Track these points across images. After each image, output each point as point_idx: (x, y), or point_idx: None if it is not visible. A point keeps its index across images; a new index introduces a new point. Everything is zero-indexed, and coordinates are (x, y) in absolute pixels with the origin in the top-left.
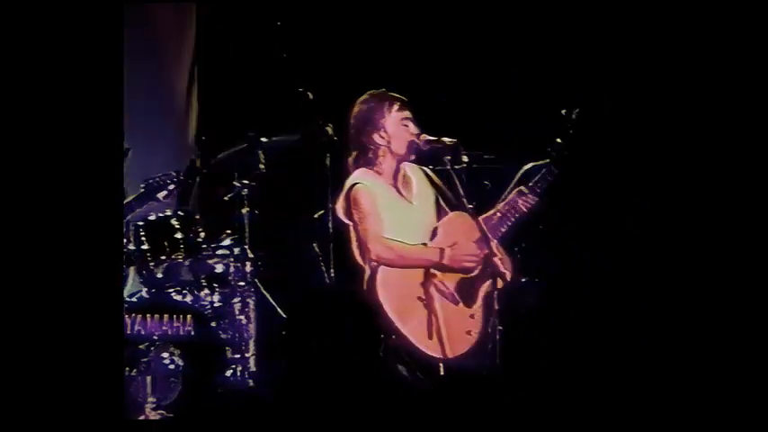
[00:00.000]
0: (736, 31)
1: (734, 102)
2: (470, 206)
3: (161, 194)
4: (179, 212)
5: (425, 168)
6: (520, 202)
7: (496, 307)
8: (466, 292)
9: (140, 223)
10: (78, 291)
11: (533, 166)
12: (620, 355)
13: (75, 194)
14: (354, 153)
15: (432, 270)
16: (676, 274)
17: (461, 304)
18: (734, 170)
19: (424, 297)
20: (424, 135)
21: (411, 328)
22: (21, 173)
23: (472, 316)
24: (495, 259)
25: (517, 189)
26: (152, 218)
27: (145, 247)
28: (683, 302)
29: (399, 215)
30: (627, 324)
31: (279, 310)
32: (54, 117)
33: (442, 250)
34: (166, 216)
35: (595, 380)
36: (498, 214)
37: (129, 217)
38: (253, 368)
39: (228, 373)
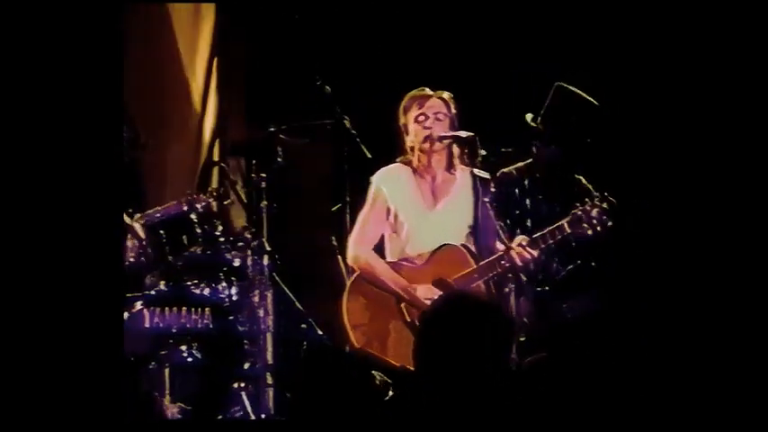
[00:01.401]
0: (735, 31)
1: (733, 101)
2: (486, 198)
3: (199, 205)
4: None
5: (482, 174)
6: (514, 252)
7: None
8: None
9: (160, 223)
10: (78, 291)
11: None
12: (619, 358)
13: (75, 193)
14: (404, 154)
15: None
16: (676, 274)
17: None
18: (733, 170)
19: (387, 316)
20: (438, 129)
21: (361, 339)
22: (20, 172)
23: None
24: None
25: (516, 237)
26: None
27: (163, 239)
28: (683, 303)
29: (413, 219)
30: (626, 325)
31: (297, 303)
32: (54, 114)
33: (409, 292)
34: (184, 210)
35: (592, 385)
36: (491, 259)
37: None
38: (270, 361)
39: (246, 365)
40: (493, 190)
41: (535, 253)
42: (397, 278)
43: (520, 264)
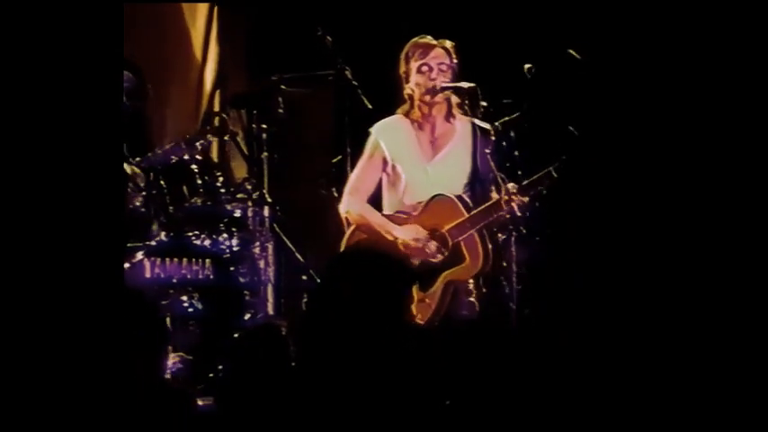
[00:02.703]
0: (737, 31)
1: (735, 102)
2: (487, 149)
3: (198, 144)
4: (197, 157)
5: (482, 125)
6: (504, 201)
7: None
8: (425, 275)
9: (160, 167)
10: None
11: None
12: (617, 356)
13: (76, 142)
14: (403, 104)
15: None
16: (677, 271)
17: (417, 287)
18: (734, 170)
19: None
20: (441, 80)
21: None
22: (20, 121)
23: (422, 300)
24: (462, 247)
25: (507, 185)
26: (172, 161)
27: (164, 190)
28: (682, 301)
29: (411, 170)
30: (624, 325)
31: (297, 254)
32: (56, 61)
33: (398, 236)
34: (185, 160)
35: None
36: (483, 207)
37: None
38: (271, 312)
39: (247, 316)
40: (493, 139)
41: (525, 200)
42: (389, 228)
43: (510, 212)
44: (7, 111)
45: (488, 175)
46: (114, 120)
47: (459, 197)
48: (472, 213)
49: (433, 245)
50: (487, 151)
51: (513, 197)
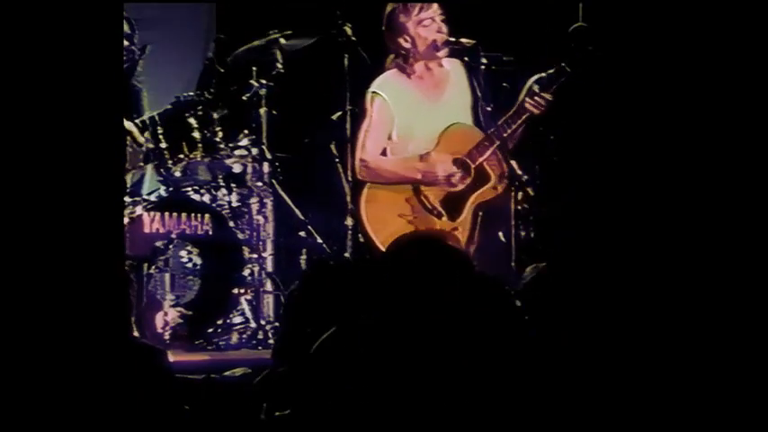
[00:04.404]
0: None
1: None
2: (489, 108)
3: (187, 114)
4: (197, 111)
5: (470, 63)
6: (529, 102)
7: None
8: (451, 205)
9: (159, 122)
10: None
11: (540, 78)
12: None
13: (74, 97)
14: (392, 55)
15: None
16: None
17: (445, 218)
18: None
19: (407, 212)
20: (443, 35)
21: (385, 240)
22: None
23: (455, 229)
24: (486, 166)
25: (528, 88)
26: (170, 116)
27: (163, 145)
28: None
29: (420, 118)
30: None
31: (296, 210)
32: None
33: (419, 168)
34: (184, 115)
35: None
36: (503, 117)
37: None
38: (269, 268)
39: (246, 272)
40: (483, 68)
41: (549, 96)
42: (409, 163)
43: (537, 111)
44: (3, 63)
45: (492, 103)
46: (115, 74)
47: (475, 122)
48: (494, 127)
49: (454, 172)
50: (483, 82)
51: (536, 97)
